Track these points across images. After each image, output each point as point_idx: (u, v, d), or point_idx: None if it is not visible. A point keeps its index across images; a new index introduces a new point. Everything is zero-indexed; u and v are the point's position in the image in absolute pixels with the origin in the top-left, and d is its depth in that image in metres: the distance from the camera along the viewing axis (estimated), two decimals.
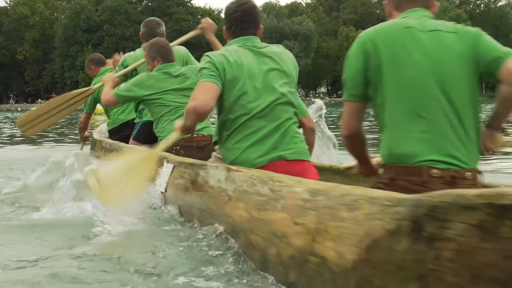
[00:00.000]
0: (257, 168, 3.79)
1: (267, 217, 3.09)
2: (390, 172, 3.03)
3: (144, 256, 3.58)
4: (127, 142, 6.82)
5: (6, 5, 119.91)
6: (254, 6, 4.28)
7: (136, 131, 6.73)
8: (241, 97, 3.99)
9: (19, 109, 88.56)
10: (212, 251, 3.50)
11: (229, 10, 4.29)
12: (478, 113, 3.10)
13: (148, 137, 6.35)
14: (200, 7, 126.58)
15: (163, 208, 4.75)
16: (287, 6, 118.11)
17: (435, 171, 2.91)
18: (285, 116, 4.01)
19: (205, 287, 3.01)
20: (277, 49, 4.21)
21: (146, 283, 3.08)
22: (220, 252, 3.45)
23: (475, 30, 3.14)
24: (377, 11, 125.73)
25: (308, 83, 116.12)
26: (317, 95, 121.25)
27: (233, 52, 4.11)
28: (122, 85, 6.10)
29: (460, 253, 1.89)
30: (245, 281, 3.06)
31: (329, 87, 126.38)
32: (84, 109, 8.74)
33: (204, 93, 3.94)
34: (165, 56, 6.08)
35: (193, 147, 5.25)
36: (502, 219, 1.81)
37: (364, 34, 3.15)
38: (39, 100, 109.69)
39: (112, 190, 3.88)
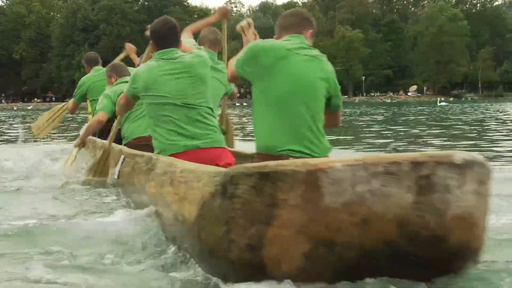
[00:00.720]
0: (177, 154, 4.78)
1: (163, 191, 4.24)
2: (259, 159, 3.96)
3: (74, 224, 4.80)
4: None
5: (3, 4, 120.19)
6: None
7: None
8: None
9: (15, 108, 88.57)
10: (137, 223, 4.51)
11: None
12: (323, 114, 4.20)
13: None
14: (196, 6, 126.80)
15: (114, 188, 6.23)
16: (284, 5, 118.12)
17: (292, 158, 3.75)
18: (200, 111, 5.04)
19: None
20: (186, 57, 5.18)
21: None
22: (140, 224, 4.47)
23: (325, 58, 4.29)
24: (373, 10, 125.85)
25: None
26: None
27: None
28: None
29: (245, 204, 2.97)
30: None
31: None
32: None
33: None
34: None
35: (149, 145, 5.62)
36: (264, 181, 2.93)
37: (255, 44, 4.36)
38: (35, 99, 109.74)
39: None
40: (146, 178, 4.88)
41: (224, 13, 7.20)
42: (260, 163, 3.04)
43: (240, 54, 4.32)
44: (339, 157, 3.07)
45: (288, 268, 2.98)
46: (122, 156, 6.03)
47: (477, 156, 3.06)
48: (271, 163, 3.00)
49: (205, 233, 3.28)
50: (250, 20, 4.97)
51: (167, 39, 5.20)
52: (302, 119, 4.04)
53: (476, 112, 36.57)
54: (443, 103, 57.40)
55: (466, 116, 30.74)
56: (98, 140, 7.55)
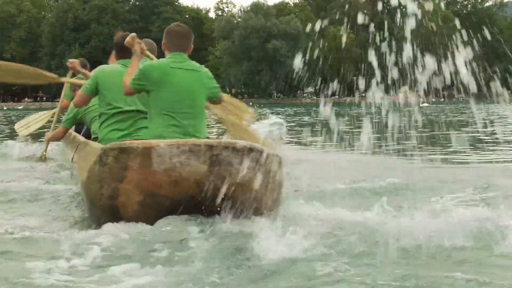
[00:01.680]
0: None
1: (82, 165, 5.89)
2: None
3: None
4: None
5: None
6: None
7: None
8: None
9: (5, 108, 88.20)
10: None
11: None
12: (204, 114, 5.84)
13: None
14: (188, 6, 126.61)
15: (69, 172, 8.30)
16: (275, 6, 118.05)
17: None
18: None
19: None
20: None
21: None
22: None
23: (206, 69, 5.90)
24: (365, 11, 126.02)
25: (296, 82, 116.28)
26: (304, 94, 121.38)
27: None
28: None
29: (110, 168, 4.64)
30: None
31: (316, 87, 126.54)
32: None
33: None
34: None
35: None
36: (121, 153, 4.57)
37: (144, 66, 5.75)
38: (26, 99, 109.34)
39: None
40: (78, 157, 6.84)
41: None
42: (121, 142, 5.09)
43: (135, 73, 5.69)
44: (166, 140, 4.71)
45: (131, 212, 4.64)
46: (76, 144, 7.75)
47: (255, 145, 4.73)
48: (127, 142, 5.04)
49: (89, 190, 5.03)
50: (133, 34, 6.18)
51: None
52: (187, 119, 5.56)
53: (448, 114, 36.85)
54: (425, 104, 59.01)
55: (433, 117, 31.17)
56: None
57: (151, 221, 4.53)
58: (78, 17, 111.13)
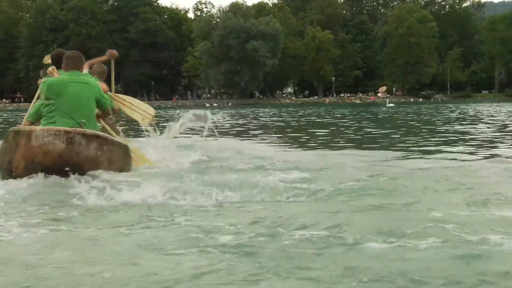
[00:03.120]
0: None
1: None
2: None
3: None
4: None
5: None
6: None
7: None
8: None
9: None
10: None
11: None
12: (94, 117, 7.85)
13: None
14: (166, 6, 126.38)
15: None
16: (254, 6, 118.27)
17: None
18: None
19: None
20: None
21: None
22: None
23: (96, 83, 8.07)
24: (343, 11, 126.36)
25: (274, 83, 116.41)
26: (284, 95, 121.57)
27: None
28: None
29: (10, 145, 7.11)
30: None
31: (295, 87, 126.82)
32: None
33: None
34: None
35: None
36: (17, 134, 7.07)
37: (49, 81, 7.75)
38: (4, 100, 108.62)
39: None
40: None
41: (113, 56, 10.28)
42: (21, 126, 7.60)
43: (43, 89, 7.75)
44: (41, 127, 7.27)
45: (19, 173, 6.88)
46: None
47: (102, 133, 7.38)
48: (21, 127, 7.50)
49: (1, 159, 7.16)
50: (47, 57, 9.23)
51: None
52: (80, 122, 7.48)
53: (411, 114, 37.30)
54: (391, 104, 60.40)
55: (393, 117, 31.54)
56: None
57: (32, 178, 6.85)
58: (57, 18, 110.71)
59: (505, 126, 20.39)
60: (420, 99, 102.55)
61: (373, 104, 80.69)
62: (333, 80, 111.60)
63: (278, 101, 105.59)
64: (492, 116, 29.29)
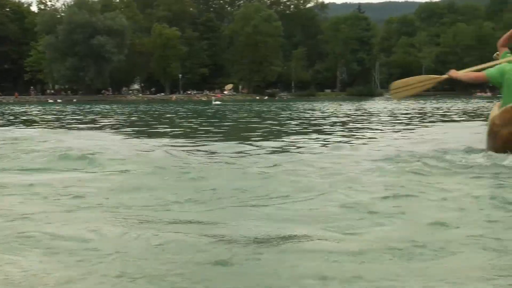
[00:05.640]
0: None
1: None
2: None
3: None
4: None
5: None
6: None
7: None
8: None
9: None
10: None
11: None
12: None
13: None
14: (9, 0, 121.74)
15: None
16: (100, 1, 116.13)
17: None
18: None
19: None
20: None
21: None
22: None
23: None
24: (191, 9, 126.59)
25: (121, 79, 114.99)
26: (130, 91, 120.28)
27: None
28: None
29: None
30: None
31: (142, 84, 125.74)
32: None
33: None
34: None
35: None
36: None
37: None
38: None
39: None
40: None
41: None
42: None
43: None
44: None
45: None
46: None
47: None
48: None
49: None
50: None
51: None
52: None
53: (236, 110, 38.28)
54: (217, 102, 61.80)
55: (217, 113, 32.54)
56: None
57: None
58: None
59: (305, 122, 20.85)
60: (266, 97, 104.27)
61: (205, 102, 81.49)
62: (180, 77, 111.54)
63: (125, 98, 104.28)
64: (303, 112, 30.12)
